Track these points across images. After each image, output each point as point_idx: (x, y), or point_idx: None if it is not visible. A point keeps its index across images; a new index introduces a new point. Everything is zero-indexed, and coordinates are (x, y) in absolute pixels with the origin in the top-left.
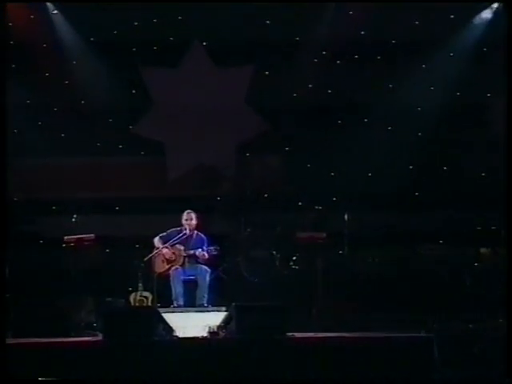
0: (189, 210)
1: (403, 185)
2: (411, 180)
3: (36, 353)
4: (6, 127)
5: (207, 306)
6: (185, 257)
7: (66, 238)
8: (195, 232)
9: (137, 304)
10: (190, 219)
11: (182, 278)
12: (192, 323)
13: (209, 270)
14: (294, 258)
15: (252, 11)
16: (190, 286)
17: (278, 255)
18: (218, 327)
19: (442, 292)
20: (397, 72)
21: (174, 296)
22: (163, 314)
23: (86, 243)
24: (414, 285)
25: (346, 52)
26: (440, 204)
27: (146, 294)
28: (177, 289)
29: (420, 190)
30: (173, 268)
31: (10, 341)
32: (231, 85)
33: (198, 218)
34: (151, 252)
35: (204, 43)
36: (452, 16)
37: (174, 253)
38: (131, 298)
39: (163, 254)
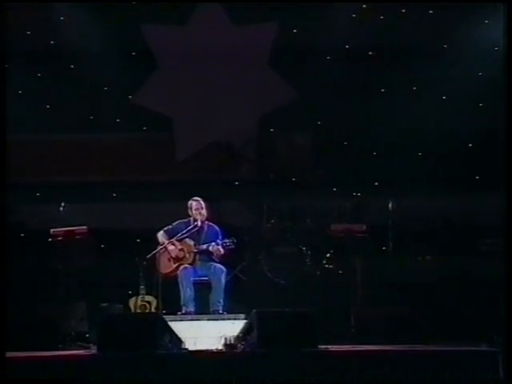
0: (197, 198)
1: (460, 167)
2: (470, 161)
3: (15, 369)
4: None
5: (223, 313)
6: (195, 253)
7: (52, 230)
8: (206, 223)
9: (138, 310)
10: (200, 208)
11: (193, 279)
12: (205, 334)
13: (225, 269)
14: (328, 255)
15: None
16: (202, 289)
17: (309, 252)
18: (236, 338)
19: (507, 297)
20: (453, 29)
21: (182, 301)
22: (170, 323)
23: (76, 237)
24: (473, 288)
25: (390, 5)
26: (505, 190)
27: (149, 298)
28: (186, 292)
29: (480, 172)
30: (181, 267)
31: None
32: (251, 45)
33: (207, 206)
34: (155, 248)
35: None
36: None
37: (182, 249)
38: (131, 303)
39: (169, 251)
